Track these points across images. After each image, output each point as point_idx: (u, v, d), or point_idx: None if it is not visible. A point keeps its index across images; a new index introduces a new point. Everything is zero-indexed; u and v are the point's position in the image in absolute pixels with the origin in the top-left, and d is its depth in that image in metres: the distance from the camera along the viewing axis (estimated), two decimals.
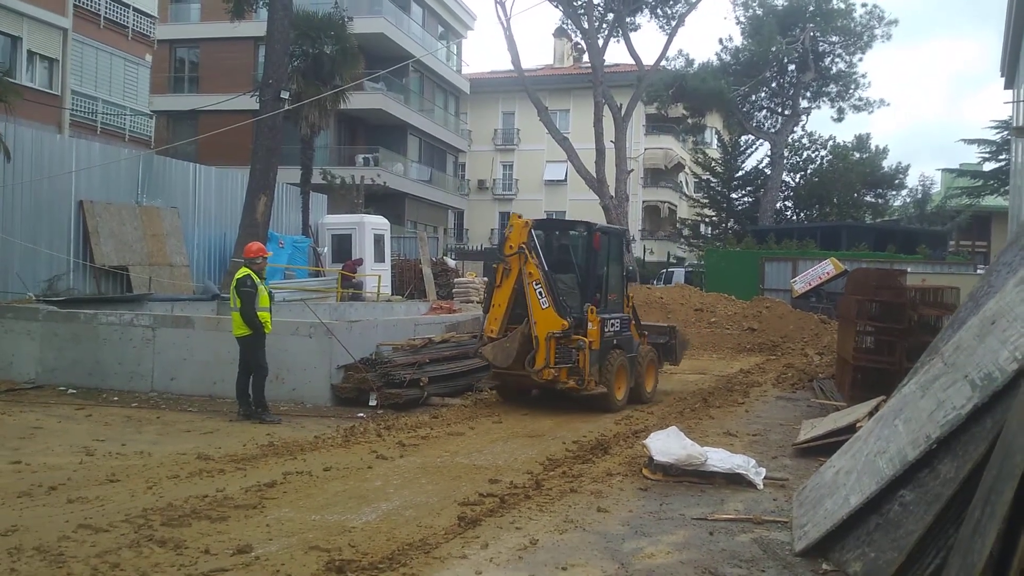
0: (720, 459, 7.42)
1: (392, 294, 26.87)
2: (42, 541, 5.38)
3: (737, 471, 7.29)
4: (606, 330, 11.23)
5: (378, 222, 28.18)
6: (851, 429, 7.94)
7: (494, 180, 54.34)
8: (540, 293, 10.63)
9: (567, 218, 52.67)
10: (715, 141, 53.07)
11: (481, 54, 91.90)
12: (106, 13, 26.64)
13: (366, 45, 33.48)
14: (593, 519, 6.22)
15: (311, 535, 5.71)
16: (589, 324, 10.90)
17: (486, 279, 32.24)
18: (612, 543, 5.70)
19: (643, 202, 53.12)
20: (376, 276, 25.56)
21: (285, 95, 22.72)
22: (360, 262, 25.71)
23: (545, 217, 52.05)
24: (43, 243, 17.50)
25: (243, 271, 10.25)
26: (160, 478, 7.16)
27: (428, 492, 6.94)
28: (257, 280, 10.21)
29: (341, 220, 28.09)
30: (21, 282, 15.89)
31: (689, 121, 47.72)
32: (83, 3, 25.60)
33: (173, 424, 9.83)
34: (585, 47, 35.42)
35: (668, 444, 7.45)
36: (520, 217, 11.06)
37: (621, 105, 32.32)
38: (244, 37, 34.74)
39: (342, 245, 26.83)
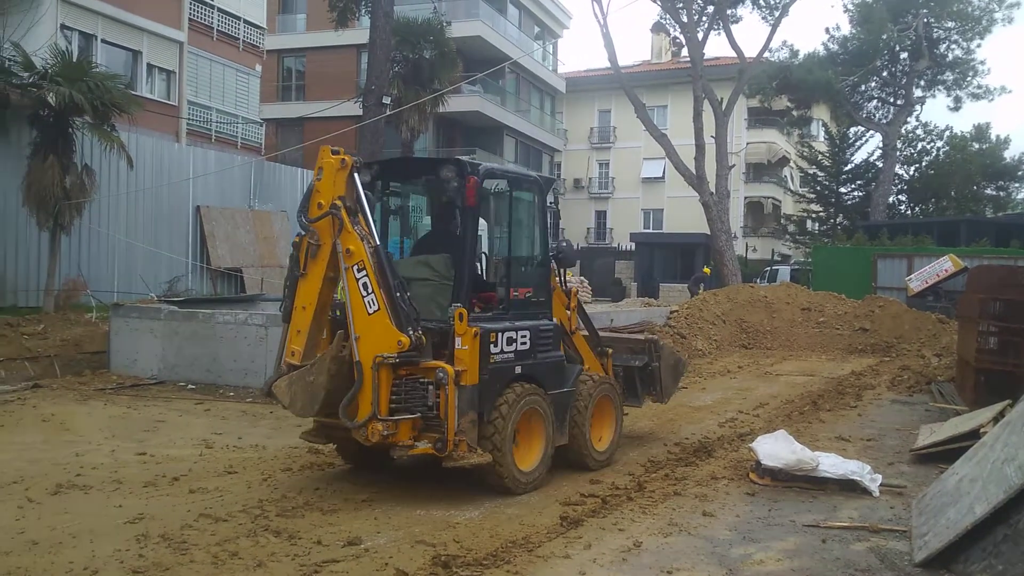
0: (832, 464, 7.17)
1: None
2: (166, 529, 5.67)
3: (851, 477, 7.02)
4: (496, 350, 6.66)
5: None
6: (974, 435, 7.56)
7: (590, 179, 54.09)
8: (365, 287, 6.23)
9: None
10: (822, 134, 51.35)
11: (577, 53, 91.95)
12: (219, 26, 27.83)
13: (463, 48, 33.87)
14: (698, 523, 6.11)
15: (417, 529, 5.83)
16: (457, 341, 6.40)
17: (582, 278, 32.42)
18: (719, 548, 5.59)
19: (745, 198, 51.89)
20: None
21: (387, 100, 23.27)
22: None
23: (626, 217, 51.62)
24: (164, 246, 18.45)
25: None
26: (274, 471, 7.44)
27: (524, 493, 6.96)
28: None
29: None
30: (144, 284, 16.76)
31: (794, 114, 46.34)
32: (197, 17, 26.82)
33: (285, 419, 10.15)
34: (684, 41, 34.82)
35: (776, 448, 7.25)
36: (336, 151, 6.50)
37: (722, 99, 31.65)
38: (347, 45, 35.71)
39: None
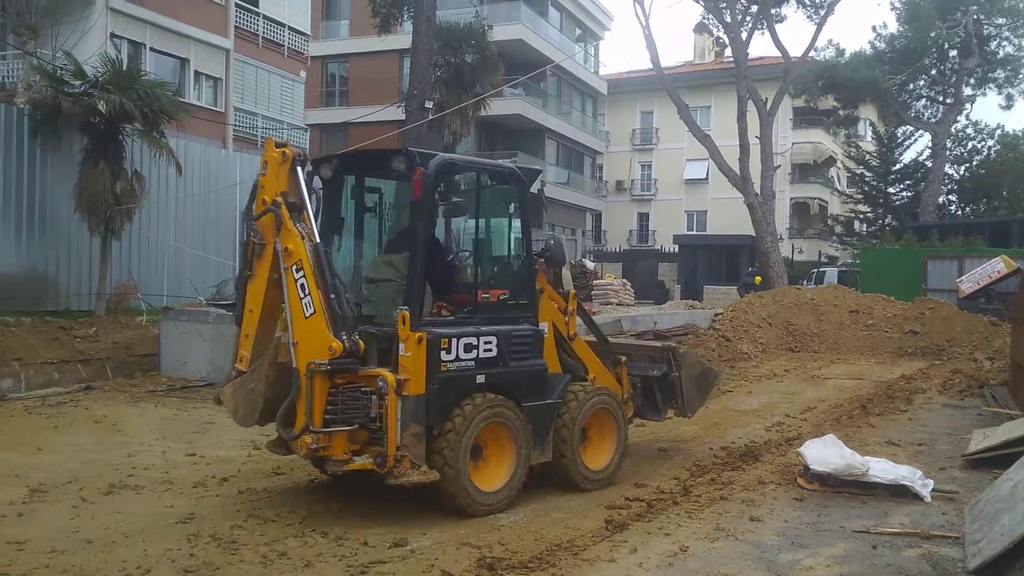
0: (883, 469, 7.03)
1: None
2: (216, 529, 5.76)
3: (902, 482, 6.89)
4: (449, 357, 6.08)
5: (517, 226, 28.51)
6: None
7: (632, 180, 53.82)
8: (303, 288, 5.87)
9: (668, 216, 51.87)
10: (869, 133, 50.44)
11: (619, 54, 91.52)
12: (264, 33, 28.24)
13: (505, 51, 33.93)
14: (745, 528, 6.04)
15: (462, 531, 5.85)
16: (401, 347, 5.93)
17: (625, 280, 32.21)
18: (767, 554, 5.52)
19: (791, 199, 51.20)
20: None
21: (429, 105, 23.42)
22: None
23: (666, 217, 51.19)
24: (211, 251, 18.78)
25: None
26: (320, 472, 7.51)
27: (573, 494, 6.94)
28: None
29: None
30: (193, 287, 17.06)
31: (840, 113, 45.59)
32: (243, 25, 27.25)
33: None
34: (728, 41, 34.47)
35: (825, 453, 7.14)
36: (281, 144, 6.19)
37: (766, 99, 31.26)
38: (390, 50, 35.98)
39: None
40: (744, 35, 32.58)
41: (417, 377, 5.88)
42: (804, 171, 52.34)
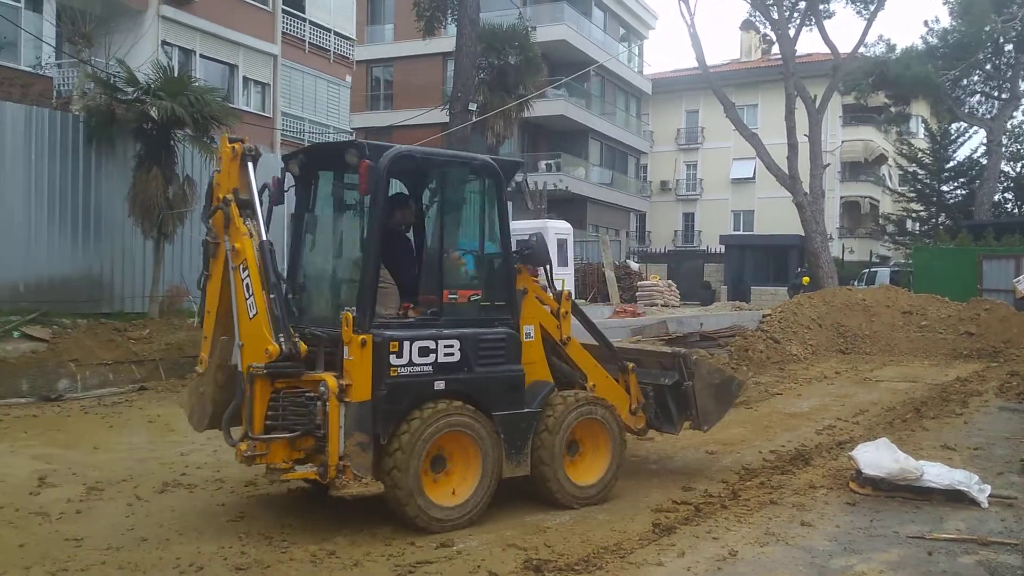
0: (938, 474, 6.86)
1: (575, 298, 27.02)
2: (267, 527, 5.84)
3: (958, 487, 6.71)
4: (400, 362, 5.69)
5: (561, 227, 28.48)
6: None
7: (677, 180, 53.42)
8: (248, 288, 5.63)
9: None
10: (921, 130, 49.41)
11: (663, 53, 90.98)
12: (310, 38, 28.62)
13: (548, 52, 33.94)
14: (796, 533, 5.95)
15: (508, 533, 5.85)
16: (345, 350, 5.64)
17: (670, 281, 31.96)
18: (818, 559, 5.43)
19: (841, 198, 50.36)
20: (560, 280, 25.79)
21: (473, 107, 23.54)
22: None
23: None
24: None
25: None
26: None
27: (619, 496, 6.89)
28: None
29: (525, 226, 28.55)
30: None
31: (892, 110, 44.72)
32: (290, 31, 27.66)
33: None
34: (775, 38, 34.05)
35: (878, 457, 6.98)
36: (233, 140, 6.00)
37: (815, 96, 30.80)
38: (433, 54, 36.25)
39: None
40: (792, 32, 32.16)
41: (361, 382, 5.52)
42: (854, 169, 51.45)
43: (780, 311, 20.01)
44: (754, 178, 48.77)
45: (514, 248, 6.53)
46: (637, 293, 28.75)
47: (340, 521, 6.03)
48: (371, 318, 5.66)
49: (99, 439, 8.82)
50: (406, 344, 5.71)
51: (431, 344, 5.83)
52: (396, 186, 6.99)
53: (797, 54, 32.77)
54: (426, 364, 5.79)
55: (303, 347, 5.54)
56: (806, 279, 32.57)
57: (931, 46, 40.97)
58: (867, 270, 38.53)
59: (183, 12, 23.08)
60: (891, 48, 40.87)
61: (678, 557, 5.39)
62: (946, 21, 41.15)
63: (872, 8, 32.40)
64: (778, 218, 43.56)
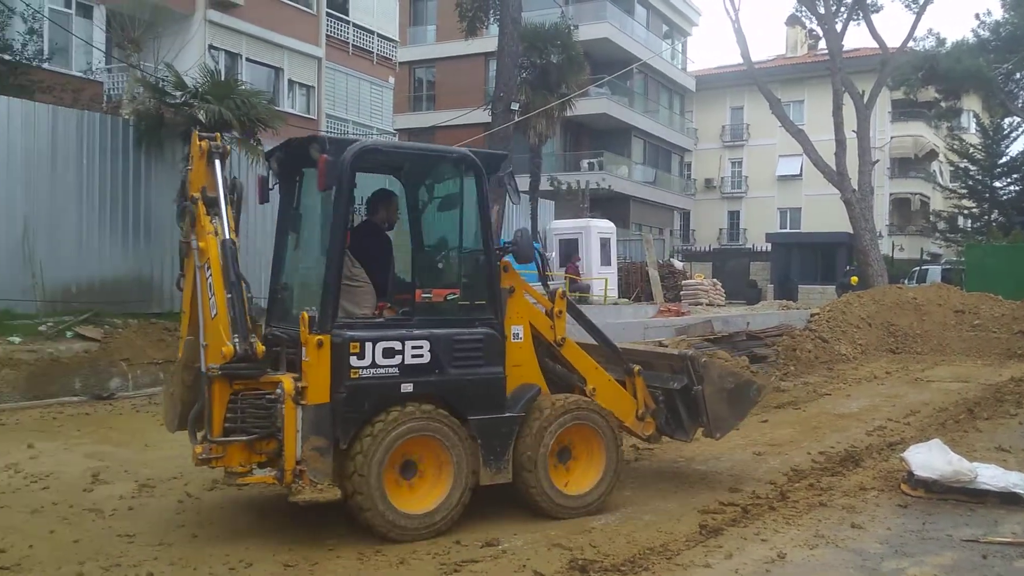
0: (992, 476, 6.69)
1: (619, 297, 26.94)
2: (314, 524, 5.89)
3: (1013, 490, 6.53)
4: (362, 363, 5.49)
5: (604, 226, 28.42)
6: None
7: (722, 178, 52.90)
8: (211, 288, 5.55)
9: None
10: (973, 125, 48.25)
11: (707, 50, 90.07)
12: (354, 41, 28.90)
13: (591, 51, 33.81)
14: (847, 535, 5.84)
15: (553, 532, 5.83)
16: (304, 352, 5.47)
17: (715, 280, 31.65)
18: (869, 562, 5.32)
19: (890, 195, 49.44)
20: (603, 279, 25.73)
21: (515, 107, 23.51)
22: (578, 259, 26.18)
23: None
24: None
25: None
26: None
27: (665, 497, 6.84)
28: None
29: (568, 225, 28.66)
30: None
31: (942, 105, 43.69)
32: (334, 33, 27.95)
33: None
34: (821, 33, 33.47)
35: (931, 458, 6.83)
36: (205, 136, 6.05)
37: (863, 92, 30.22)
38: (475, 54, 36.37)
39: (569, 250, 27.36)
40: (839, 26, 31.59)
41: (318, 384, 5.34)
42: (904, 165, 50.45)
43: (828, 310, 19.68)
44: (801, 175, 48.10)
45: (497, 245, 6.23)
46: (681, 292, 28.55)
47: None
48: (333, 318, 5.48)
49: (150, 437, 8.98)
50: (368, 345, 5.49)
51: (396, 345, 5.59)
52: (381, 183, 6.81)
53: (844, 49, 32.20)
54: (391, 366, 5.57)
55: (260, 348, 5.37)
56: (854, 278, 31.94)
57: (983, 39, 39.98)
58: (918, 268, 37.73)
59: (229, 16, 23.45)
60: (941, 42, 40.00)
61: (725, 559, 5.33)
62: (998, 13, 40.21)
63: (921, 1, 31.72)
64: (826, 215, 42.91)
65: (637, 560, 5.24)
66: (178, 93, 15.46)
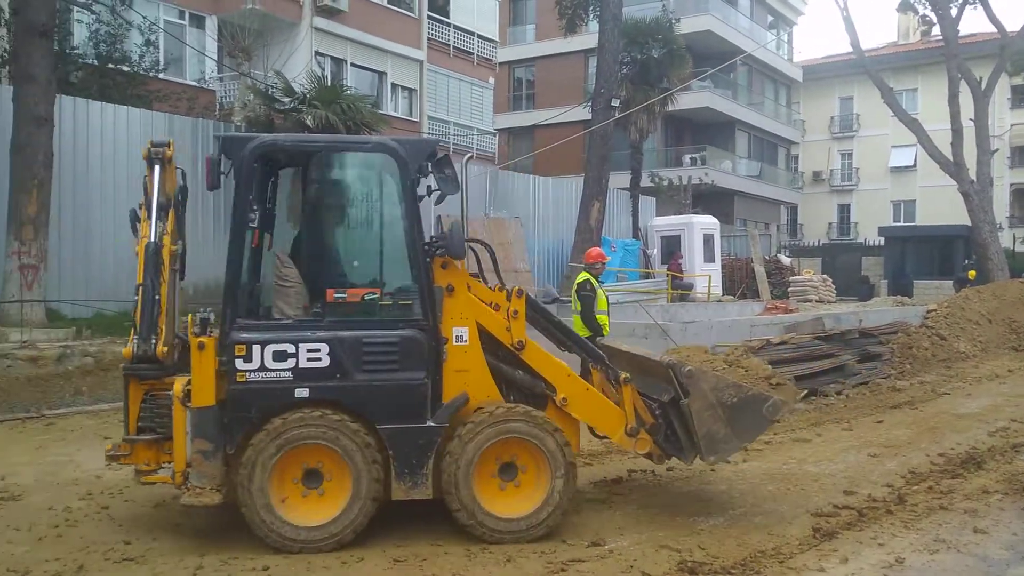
0: None
1: (723, 294, 26.44)
2: (424, 521, 5.98)
3: None
4: (248, 366, 5.33)
5: (707, 222, 27.94)
6: None
7: (831, 171, 51.07)
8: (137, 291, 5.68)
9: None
10: None
11: (814, 39, 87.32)
12: (455, 43, 29.30)
13: (692, 44, 33.24)
14: (969, 540, 5.60)
15: (660, 533, 5.79)
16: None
17: (824, 276, 30.61)
18: (993, 568, 5.10)
19: (1011, 185, 46.72)
20: (706, 276, 25.31)
21: (615, 103, 23.37)
22: (680, 256, 25.83)
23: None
24: None
25: (583, 275, 10.63)
26: None
27: (776, 499, 6.70)
28: (596, 284, 10.53)
29: (670, 222, 28.33)
30: None
31: None
32: (435, 36, 28.42)
33: None
34: (935, 19, 31.92)
35: None
36: (158, 144, 6.09)
37: (981, 78, 28.67)
38: (575, 51, 36.27)
39: (671, 247, 27.04)
40: (954, 11, 30.05)
41: (203, 387, 5.26)
42: None
43: (946, 306, 18.78)
44: (915, 166, 46.01)
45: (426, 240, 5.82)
46: (789, 289, 27.80)
47: None
48: (231, 319, 5.39)
49: None
50: (256, 348, 5.31)
51: (289, 348, 5.35)
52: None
53: (960, 34, 30.64)
54: (284, 369, 5.34)
55: (159, 350, 5.43)
56: (972, 272, 30.34)
57: None
58: None
59: (334, 23, 24.16)
60: None
61: (841, 563, 5.19)
62: None
63: None
64: (942, 208, 40.92)
65: (748, 563, 5.16)
66: (287, 99, 16.04)
